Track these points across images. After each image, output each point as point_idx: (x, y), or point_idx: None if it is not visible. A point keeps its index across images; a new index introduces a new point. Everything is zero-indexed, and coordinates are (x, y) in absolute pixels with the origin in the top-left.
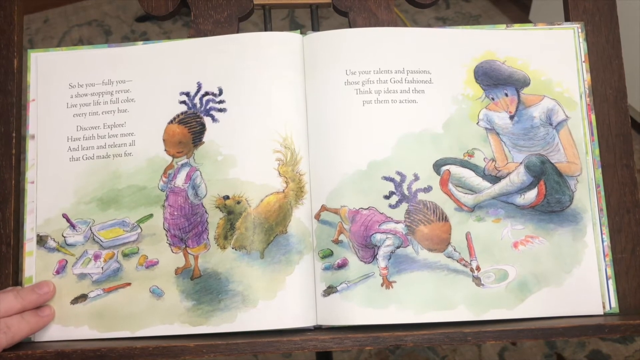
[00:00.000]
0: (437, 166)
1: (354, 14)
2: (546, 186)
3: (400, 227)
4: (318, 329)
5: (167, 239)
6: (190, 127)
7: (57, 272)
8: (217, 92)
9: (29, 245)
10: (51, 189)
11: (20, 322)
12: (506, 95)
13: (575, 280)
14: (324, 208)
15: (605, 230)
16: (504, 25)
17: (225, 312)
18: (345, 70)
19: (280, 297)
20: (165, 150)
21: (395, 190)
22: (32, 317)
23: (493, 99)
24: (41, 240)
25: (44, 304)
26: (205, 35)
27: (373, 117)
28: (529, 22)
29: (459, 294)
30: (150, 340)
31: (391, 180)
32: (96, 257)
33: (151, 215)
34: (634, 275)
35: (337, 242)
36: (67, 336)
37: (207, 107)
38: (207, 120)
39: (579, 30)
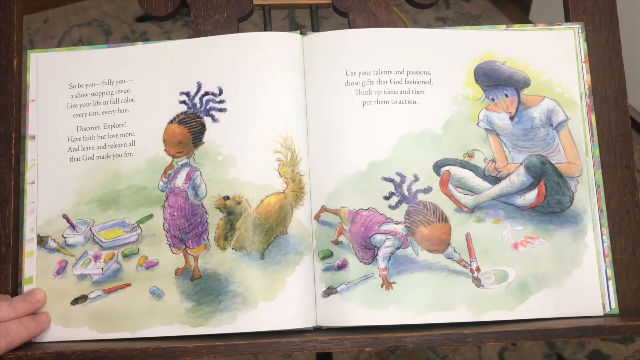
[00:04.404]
0: (437, 167)
1: (353, 14)
2: (546, 187)
3: (400, 228)
4: (318, 329)
5: (167, 240)
6: (190, 127)
7: (58, 273)
8: (217, 92)
9: (29, 245)
10: (51, 190)
11: (19, 327)
12: (506, 95)
13: (575, 281)
14: (323, 209)
15: (605, 231)
16: (504, 26)
17: (226, 313)
18: (345, 71)
19: (280, 298)
20: (165, 150)
21: (395, 191)
22: (30, 322)
23: (493, 99)
24: (42, 241)
25: (37, 311)
26: (205, 35)
27: (373, 118)
28: (529, 22)
29: (459, 294)
30: (150, 341)
31: (391, 181)
32: (96, 257)
33: (151, 216)
34: (634, 276)
35: (337, 242)
36: (68, 337)
37: (207, 107)
38: (207, 120)
39: (579, 30)
